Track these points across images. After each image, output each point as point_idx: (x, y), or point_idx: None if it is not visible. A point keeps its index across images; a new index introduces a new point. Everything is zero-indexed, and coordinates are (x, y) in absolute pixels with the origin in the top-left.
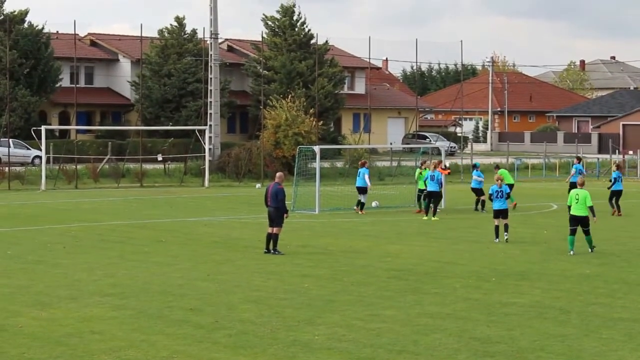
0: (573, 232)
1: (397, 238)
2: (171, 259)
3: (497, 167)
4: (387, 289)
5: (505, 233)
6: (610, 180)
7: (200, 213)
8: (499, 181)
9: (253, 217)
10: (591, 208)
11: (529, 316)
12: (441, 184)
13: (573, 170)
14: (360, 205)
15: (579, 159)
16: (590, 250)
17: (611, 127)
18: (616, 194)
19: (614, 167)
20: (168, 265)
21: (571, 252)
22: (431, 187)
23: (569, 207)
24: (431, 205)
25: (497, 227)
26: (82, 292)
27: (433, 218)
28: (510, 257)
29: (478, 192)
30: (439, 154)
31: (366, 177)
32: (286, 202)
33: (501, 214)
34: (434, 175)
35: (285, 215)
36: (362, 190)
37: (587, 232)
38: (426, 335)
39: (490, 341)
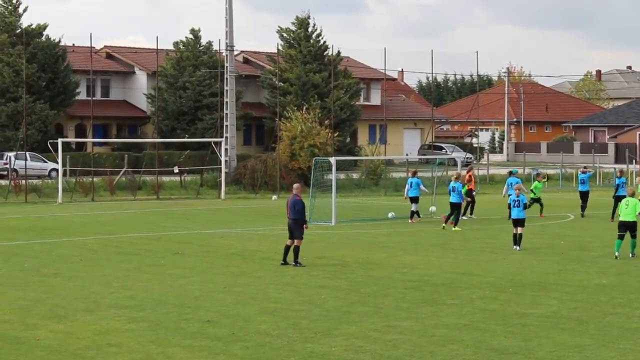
0: (621, 237)
1: (413, 249)
2: (187, 271)
3: (511, 173)
4: (404, 300)
5: (517, 246)
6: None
7: (216, 225)
8: (517, 190)
9: (269, 228)
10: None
11: (546, 327)
12: (462, 195)
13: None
14: (412, 214)
15: (622, 172)
16: (631, 254)
17: (628, 137)
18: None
19: (617, 174)
20: (184, 278)
21: (617, 254)
22: (453, 198)
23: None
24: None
25: (514, 236)
26: (99, 304)
27: (454, 229)
28: (527, 267)
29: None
30: (455, 164)
31: (421, 186)
32: (305, 213)
33: (519, 223)
34: (455, 186)
35: (305, 226)
36: (415, 199)
37: (634, 236)
38: (443, 346)
39: (507, 352)
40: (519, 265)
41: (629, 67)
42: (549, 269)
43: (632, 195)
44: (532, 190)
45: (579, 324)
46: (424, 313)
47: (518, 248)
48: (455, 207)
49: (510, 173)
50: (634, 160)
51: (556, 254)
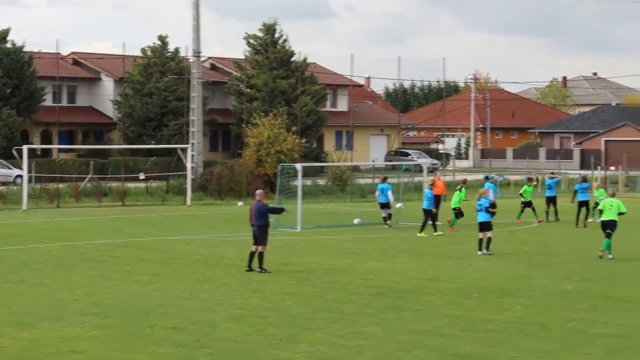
0: (609, 236)
1: (379, 255)
2: (153, 278)
3: (487, 178)
4: (369, 307)
5: (486, 250)
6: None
7: (182, 231)
8: (483, 194)
9: (235, 235)
10: (622, 214)
11: (511, 332)
12: (433, 202)
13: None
14: (385, 218)
15: (585, 178)
16: (606, 252)
17: (593, 143)
18: (582, 205)
19: (580, 179)
20: (149, 284)
21: (610, 256)
22: (424, 205)
23: (600, 212)
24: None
25: (480, 240)
26: (64, 311)
27: (419, 234)
28: (493, 273)
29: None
30: (421, 171)
31: (389, 193)
32: (274, 211)
33: (484, 227)
34: (426, 192)
35: (284, 210)
36: (386, 205)
37: (609, 236)
38: (408, 352)
39: (472, 358)
40: (485, 271)
41: (595, 74)
42: (514, 275)
43: (613, 195)
44: (521, 194)
45: (543, 330)
46: (389, 319)
47: (487, 252)
48: (426, 213)
49: (487, 178)
50: (599, 167)
51: (522, 259)
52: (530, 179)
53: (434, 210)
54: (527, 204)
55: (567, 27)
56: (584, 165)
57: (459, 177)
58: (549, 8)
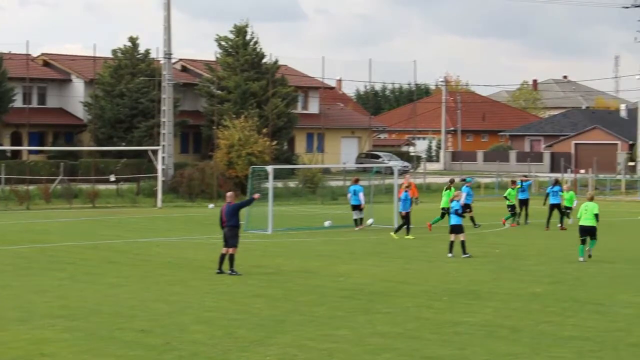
0: (583, 242)
1: (349, 258)
2: (122, 280)
3: (464, 181)
4: (339, 309)
5: (463, 253)
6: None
7: (152, 234)
8: (455, 197)
9: (206, 237)
10: (596, 215)
11: (480, 335)
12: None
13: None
14: (356, 221)
15: (557, 181)
16: (588, 252)
17: (563, 146)
18: (554, 207)
19: (552, 182)
20: (119, 287)
21: (581, 259)
22: (400, 207)
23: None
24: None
25: (451, 243)
26: (33, 314)
27: (393, 235)
28: (462, 275)
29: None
30: (392, 173)
31: (361, 195)
32: (244, 204)
33: (454, 230)
34: (405, 195)
35: (256, 196)
36: (357, 207)
37: (593, 237)
38: (378, 355)
39: None
40: (455, 274)
41: (565, 77)
42: (484, 278)
43: (591, 199)
44: (506, 197)
45: (512, 332)
46: (359, 322)
47: (465, 255)
48: (403, 217)
49: (464, 181)
50: (569, 170)
51: (491, 262)
52: (514, 182)
53: (403, 213)
54: (512, 207)
55: (538, 31)
56: (554, 168)
57: (430, 179)
58: (520, 11)
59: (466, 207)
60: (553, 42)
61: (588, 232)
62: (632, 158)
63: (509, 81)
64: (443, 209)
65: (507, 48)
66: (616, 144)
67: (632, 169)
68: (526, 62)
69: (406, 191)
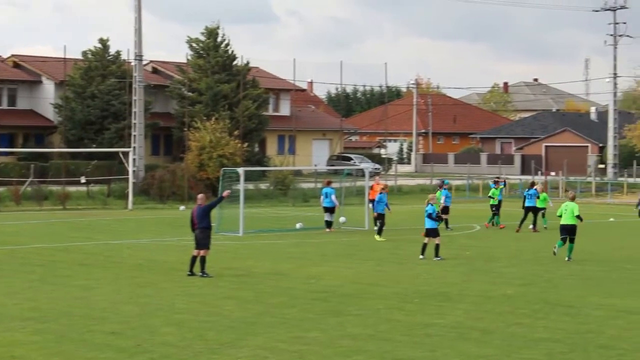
0: (564, 240)
1: (320, 260)
2: (93, 282)
3: (443, 183)
4: (310, 311)
5: (435, 256)
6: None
7: (123, 236)
8: (430, 201)
9: (177, 239)
10: (578, 217)
11: (451, 337)
12: (387, 205)
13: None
14: (328, 223)
15: (533, 184)
16: (567, 258)
17: (534, 149)
18: (529, 210)
19: (529, 185)
20: (90, 289)
21: (555, 250)
22: (378, 209)
23: (559, 216)
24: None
25: (424, 245)
26: (3, 316)
27: (377, 238)
28: (433, 278)
29: (445, 210)
30: (363, 175)
31: (333, 197)
32: (215, 203)
33: (429, 233)
34: (381, 197)
35: (226, 193)
36: (330, 209)
37: (572, 241)
38: (348, 357)
39: None
40: (426, 276)
41: (536, 80)
42: (455, 280)
43: (573, 199)
44: (490, 197)
45: (483, 334)
46: (330, 324)
47: (437, 258)
48: (379, 218)
49: (443, 183)
50: (539, 172)
51: (463, 264)
52: (497, 182)
53: (374, 214)
54: (497, 207)
55: (509, 34)
56: (524, 170)
57: (401, 182)
58: (491, 14)
59: (445, 210)
60: (524, 45)
61: (568, 231)
62: (602, 160)
63: (479, 84)
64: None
65: (478, 51)
66: (586, 146)
67: (602, 172)
68: (497, 64)
69: (382, 193)
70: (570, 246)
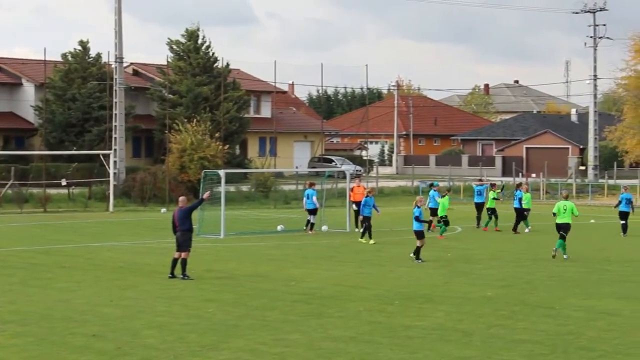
0: (562, 237)
1: (302, 262)
2: (74, 285)
3: (432, 185)
4: (292, 313)
5: (417, 259)
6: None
7: (104, 238)
8: (417, 203)
9: (157, 241)
10: (575, 217)
11: (432, 339)
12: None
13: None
14: (310, 225)
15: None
16: (555, 251)
17: (515, 150)
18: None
19: (523, 187)
20: (71, 291)
21: (554, 252)
22: (365, 212)
23: (554, 214)
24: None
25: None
26: None
27: (362, 239)
28: (414, 280)
29: (435, 212)
30: (344, 177)
31: (314, 198)
32: (196, 205)
33: (416, 235)
34: (367, 200)
35: (207, 195)
36: (312, 211)
37: (563, 237)
38: (329, 359)
39: None
40: (407, 278)
41: (516, 81)
42: (435, 282)
43: (567, 198)
44: (494, 198)
45: (464, 336)
46: (311, 326)
47: (418, 260)
48: (366, 220)
49: (432, 186)
50: (520, 174)
51: (443, 266)
52: (493, 185)
53: (359, 214)
54: (493, 211)
55: (490, 36)
56: (505, 172)
57: (383, 183)
58: (472, 16)
59: (436, 211)
60: (505, 47)
61: (564, 229)
62: (582, 162)
63: (460, 85)
64: (441, 217)
65: (459, 53)
66: (567, 148)
67: (583, 173)
68: (478, 66)
69: (369, 196)
70: (563, 243)
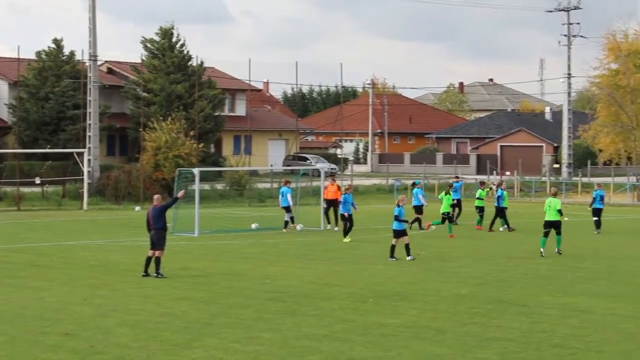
0: (546, 235)
1: (276, 260)
2: (47, 284)
3: (414, 184)
4: (266, 311)
5: (407, 255)
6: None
7: (78, 236)
8: (399, 202)
9: (132, 240)
10: (560, 211)
11: (406, 337)
12: (354, 204)
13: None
14: (285, 223)
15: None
16: (557, 250)
17: (489, 148)
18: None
19: (503, 186)
20: (44, 290)
21: (542, 250)
22: (343, 210)
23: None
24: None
25: (393, 247)
26: None
27: (345, 240)
28: (389, 278)
29: (419, 209)
30: (319, 175)
31: (289, 196)
32: (170, 203)
33: (397, 234)
34: (346, 198)
35: (181, 193)
36: (287, 209)
37: (559, 233)
38: (303, 357)
39: None
40: (381, 276)
41: (491, 80)
42: (410, 280)
43: (555, 195)
44: (479, 198)
45: (437, 334)
46: (285, 324)
47: (409, 257)
48: (345, 219)
49: (414, 184)
50: (494, 172)
51: (418, 264)
52: (483, 183)
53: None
54: (482, 209)
55: (464, 34)
56: (480, 170)
57: (357, 182)
58: (447, 15)
59: (420, 209)
60: (479, 45)
61: (552, 226)
62: (557, 160)
63: (435, 84)
64: (444, 214)
65: (434, 51)
66: (541, 146)
67: (557, 171)
68: (452, 65)
69: (347, 193)
70: (558, 238)
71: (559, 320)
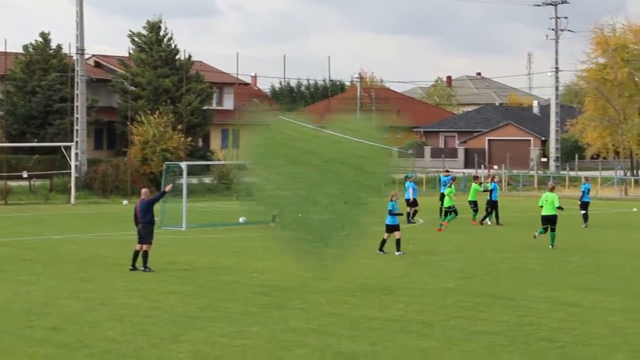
0: (545, 230)
1: (263, 254)
2: (34, 278)
3: (407, 177)
4: (253, 305)
5: (397, 250)
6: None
7: (65, 230)
8: (392, 197)
9: (119, 234)
10: (559, 208)
11: (393, 330)
12: None
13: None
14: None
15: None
16: (551, 246)
17: (477, 142)
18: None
19: (496, 179)
20: (31, 284)
21: (536, 234)
22: None
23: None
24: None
25: (383, 240)
26: None
27: None
28: (376, 271)
29: (413, 203)
30: None
31: None
32: (158, 197)
33: (389, 229)
34: None
35: (169, 187)
36: None
37: (553, 230)
38: (290, 350)
39: (354, 356)
40: (369, 270)
41: (479, 74)
42: (397, 273)
43: (552, 190)
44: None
45: (424, 327)
46: (272, 318)
47: (398, 252)
48: None
49: (407, 178)
50: (482, 165)
51: (405, 258)
52: (476, 177)
53: None
54: (475, 203)
55: (452, 28)
56: (468, 164)
57: None
58: (434, 9)
59: (414, 203)
60: (467, 39)
61: (549, 221)
62: (544, 154)
63: (423, 78)
64: (448, 207)
65: (422, 45)
66: (529, 140)
67: (545, 165)
68: (440, 59)
69: None
70: (552, 234)
71: (546, 313)
